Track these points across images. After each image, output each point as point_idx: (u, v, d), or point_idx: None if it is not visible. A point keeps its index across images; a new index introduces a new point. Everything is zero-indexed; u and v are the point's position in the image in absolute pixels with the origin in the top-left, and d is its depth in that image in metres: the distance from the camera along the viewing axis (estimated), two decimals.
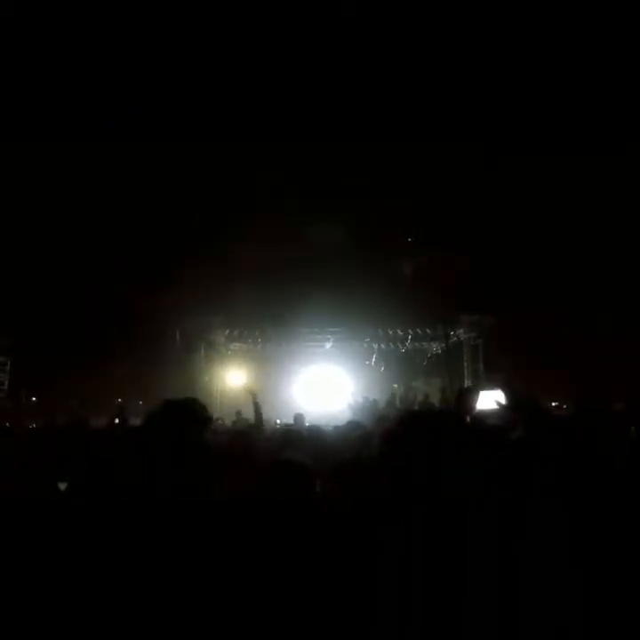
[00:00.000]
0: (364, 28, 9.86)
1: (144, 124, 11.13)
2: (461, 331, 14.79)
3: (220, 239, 12.89)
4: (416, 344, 15.42)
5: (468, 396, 3.74)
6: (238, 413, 9.67)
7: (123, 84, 10.44)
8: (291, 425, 6.74)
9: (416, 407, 9.41)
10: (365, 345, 15.46)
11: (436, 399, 12.31)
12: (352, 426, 3.66)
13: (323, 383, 15.51)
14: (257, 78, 10.70)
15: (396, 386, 14.53)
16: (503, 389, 3.27)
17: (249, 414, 10.16)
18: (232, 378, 12.25)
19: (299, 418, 7.22)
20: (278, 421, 9.95)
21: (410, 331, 14.77)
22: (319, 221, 12.59)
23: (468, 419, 3.31)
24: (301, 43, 10.16)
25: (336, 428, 4.45)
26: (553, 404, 10.38)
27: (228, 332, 15.01)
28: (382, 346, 15.52)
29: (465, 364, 14.89)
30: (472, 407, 3.52)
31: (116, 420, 7.49)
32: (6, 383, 12.20)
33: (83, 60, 10.05)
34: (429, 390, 14.10)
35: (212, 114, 11.14)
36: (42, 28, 9.59)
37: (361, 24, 9.76)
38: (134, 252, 12.51)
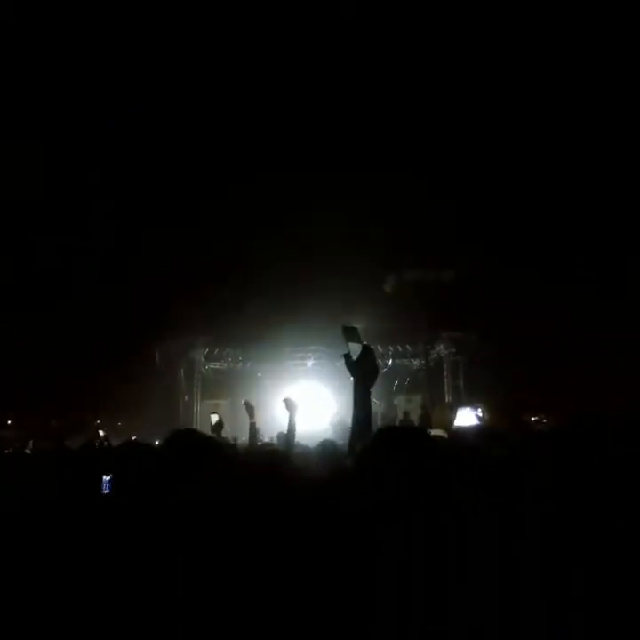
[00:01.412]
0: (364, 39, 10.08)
1: (144, 124, 11.17)
2: (441, 346, 14.91)
3: (202, 258, 12.85)
4: (396, 361, 15.48)
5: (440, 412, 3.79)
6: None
7: (122, 83, 10.48)
8: (273, 444, 6.71)
9: (397, 424, 9.45)
10: None
11: (416, 416, 12.34)
12: (326, 444, 3.64)
13: (305, 401, 15.42)
14: (256, 78, 10.81)
15: (377, 402, 14.54)
16: (482, 405, 3.33)
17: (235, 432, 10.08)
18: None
19: (281, 437, 7.18)
20: (266, 439, 9.88)
21: (390, 347, 14.84)
22: (300, 240, 12.66)
23: (447, 434, 3.35)
24: (301, 44, 10.35)
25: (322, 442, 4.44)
26: (533, 418, 10.48)
27: (207, 351, 14.95)
28: None
29: (445, 380, 14.97)
30: (450, 422, 3.57)
31: (97, 443, 7.36)
32: None
33: (83, 60, 10.07)
34: (411, 407, 14.13)
35: (211, 114, 11.20)
36: (42, 27, 9.60)
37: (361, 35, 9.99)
38: (116, 269, 12.41)
